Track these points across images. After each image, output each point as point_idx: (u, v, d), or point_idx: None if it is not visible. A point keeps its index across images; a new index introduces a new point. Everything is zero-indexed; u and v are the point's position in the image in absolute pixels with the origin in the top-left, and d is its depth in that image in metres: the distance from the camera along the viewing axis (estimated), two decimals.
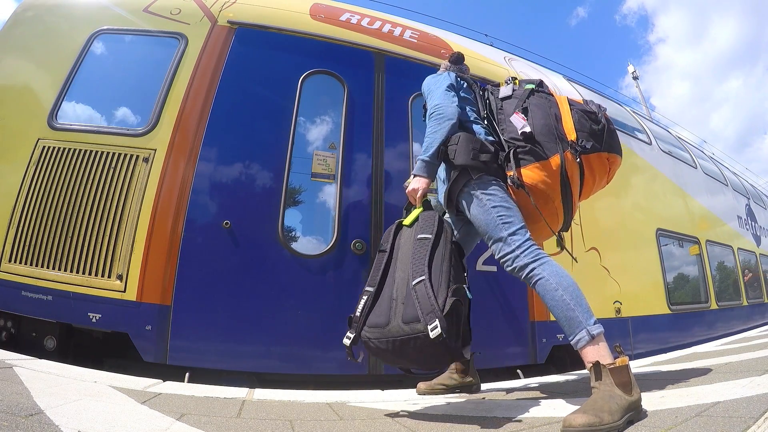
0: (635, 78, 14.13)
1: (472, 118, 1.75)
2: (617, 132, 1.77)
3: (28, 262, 2.22)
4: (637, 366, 2.54)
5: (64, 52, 2.67)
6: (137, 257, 2.21)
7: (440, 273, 1.37)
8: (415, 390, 1.93)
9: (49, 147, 2.38)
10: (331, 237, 2.52)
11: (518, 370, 2.69)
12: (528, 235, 1.49)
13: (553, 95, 1.74)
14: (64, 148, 2.38)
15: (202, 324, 2.23)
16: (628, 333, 3.48)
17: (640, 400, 1.24)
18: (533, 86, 1.76)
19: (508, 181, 1.55)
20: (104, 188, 2.30)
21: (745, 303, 5.73)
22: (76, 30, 2.74)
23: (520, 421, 1.29)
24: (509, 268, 1.48)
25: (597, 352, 1.30)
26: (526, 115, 1.63)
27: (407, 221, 1.60)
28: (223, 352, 2.24)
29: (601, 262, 3.43)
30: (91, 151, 2.37)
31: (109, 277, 2.20)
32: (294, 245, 2.49)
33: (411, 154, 2.86)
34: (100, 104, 2.63)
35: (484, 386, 2.08)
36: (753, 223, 7.01)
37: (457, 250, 1.51)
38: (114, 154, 2.37)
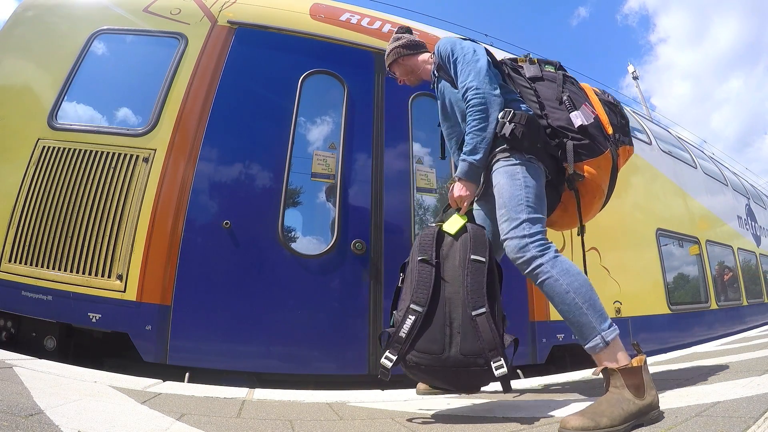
0: (635, 78, 14.13)
1: (515, 97, 1.57)
2: None
3: (28, 262, 2.22)
4: None
5: (64, 52, 2.67)
6: (137, 257, 2.21)
7: (496, 303, 1.32)
8: (414, 390, 1.92)
9: (49, 147, 2.38)
10: (331, 237, 2.52)
11: (518, 370, 2.69)
12: (544, 230, 1.37)
13: (578, 83, 1.65)
14: (64, 148, 2.38)
15: (202, 324, 2.23)
16: (628, 333, 3.47)
17: (655, 402, 1.17)
18: (554, 68, 1.67)
19: (573, 174, 1.46)
20: (104, 188, 2.30)
21: (745, 303, 5.73)
22: (76, 30, 2.74)
23: (520, 421, 1.29)
24: (513, 254, 1.34)
25: (612, 356, 1.25)
26: (574, 105, 1.51)
27: (451, 230, 1.42)
28: (223, 352, 2.24)
29: (601, 262, 3.43)
30: (91, 151, 2.37)
31: (109, 277, 2.20)
32: (294, 245, 2.49)
33: (411, 154, 2.86)
34: (100, 104, 2.63)
35: (483, 386, 2.07)
36: (753, 223, 7.01)
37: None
38: (114, 154, 2.37)
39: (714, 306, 4.85)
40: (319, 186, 2.67)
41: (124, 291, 2.17)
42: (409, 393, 1.89)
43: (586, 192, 1.55)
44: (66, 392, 1.37)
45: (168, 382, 1.78)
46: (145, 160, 2.37)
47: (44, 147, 2.38)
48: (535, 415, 1.34)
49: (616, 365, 1.21)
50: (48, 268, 2.21)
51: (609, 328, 1.28)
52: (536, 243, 1.32)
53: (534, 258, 1.31)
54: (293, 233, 2.59)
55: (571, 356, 3.06)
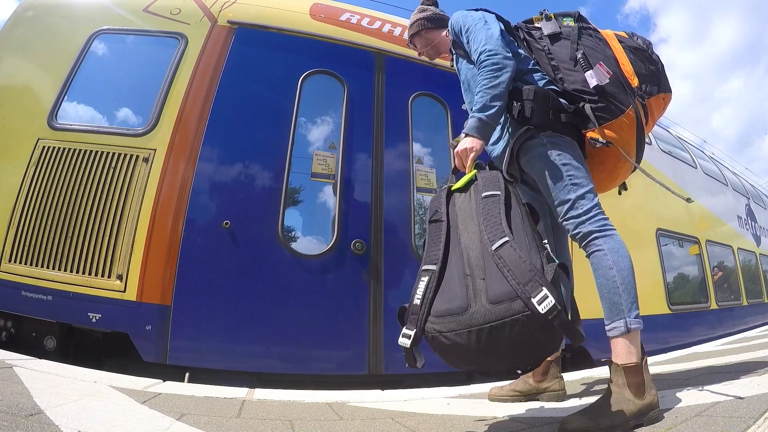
0: None
1: (529, 66, 1.52)
2: None
3: (28, 262, 2.22)
4: None
5: (64, 51, 2.67)
6: (137, 257, 2.21)
7: (524, 234, 1.06)
8: (414, 390, 1.92)
9: (49, 147, 2.38)
10: (331, 237, 2.52)
11: (518, 371, 2.69)
12: (596, 200, 1.37)
13: (598, 30, 1.54)
14: (64, 148, 2.37)
15: (202, 324, 2.23)
16: None
17: (654, 402, 1.15)
18: (573, 20, 1.55)
19: (589, 141, 1.41)
20: (104, 188, 2.30)
21: (745, 303, 5.73)
22: (76, 30, 2.74)
23: (520, 421, 1.29)
24: (571, 233, 1.36)
25: (625, 348, 1.23)
26: (588, 63, 1.42)
27: (458, 185, 1.28)
28: (223, 352, 2.24)
29: None
30: (91, 151, 2.37)
31: (109, 277, 2.20)
32: (294, 245, 2.49)
33: (411, 154, 2.86)
34: (100, 104, 2.63)
35: (483, 386, 2.07)
36: (753, 223, 7.01)
37: (532, 214, 1.19)
38: (114, 154, 2.37)
39: (714, 306, 4.85)
40: (319, 186, 2.67)
41: (124, 291, 2.17)
42: (410, 393, 1.89)
43: (608, 157, 1.46)
44: (66, 392, 1.37)
45: (168, 382, 1.78)
46: (145, 160, 2.37)
47: (44, 147, 2.38)
48: (535, 415, 1.35)
49: (621, 361, 1.21)
50: (48, 268, 2.21)
51: (635, 318, 1.26)
52: (592, 219, 1.34)
53: (590, 233, 1.33)
54: (293, 233, 2.59)
55: (571, 356, 3.05)
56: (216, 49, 2.67)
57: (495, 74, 1.38)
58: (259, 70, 2.74)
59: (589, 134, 1.40)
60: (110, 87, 2.70)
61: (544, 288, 0.92)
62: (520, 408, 1.46)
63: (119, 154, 2.37)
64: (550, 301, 0.90)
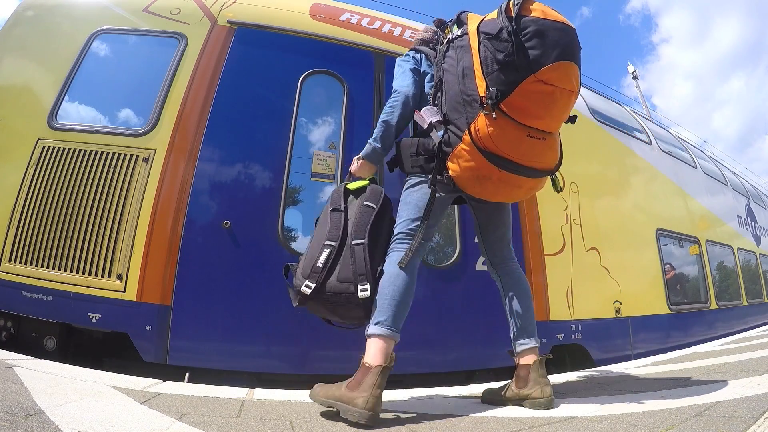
0: (635, 78, 14.13)
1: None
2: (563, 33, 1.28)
3: (28, 262, 2.22)
4: (637, 366, 2.54)
5: (64, 51, 2.66)
6: (137, 257, 2.21)
7: (377, 242, 1.52)
8: (414, 390, 1.92)
9: (49, 147, 2.38)
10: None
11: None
12: (408, 227, 1.54)
13: (467, 33, 1.42)
14: (64, 148, 2.37)
15: (202, 324, 2.23)
16: (628, 333, 3.48)
17: (359, 402, 1.27)
18: (455, 30, 1.49)
19: (444, 179, 1.46)
20: (104, 188, 2.30)
21: (745, 303, 5.73)
22: (76, 30, 2.74)
23: (520, 421, 1.29)
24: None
25: (368, 348, 1.40)
26: (442, 89, 1.46)
27: (353, 186, 1.67)
28: (223, 352, 2.24)
29: (601, 262, 3.43)
30: (90, 151, 2.37)
31: (109, 277, 2.20)
32: (294, 245, 2.49)
33: None
34: (100, 104, 2.63)
35: (483, 386, 2.07)
36: (753, 223, 7.01)
37: (390, 230, 1.61)
38: (114, 154, 2.37)
39: (714, 306, 4.85)
40: (319, 186, 2.67)
41: (124, 291, 2.17)
42: (410, 393, 1.90)
43: (472, 184, 1.44)
44: (66, 392, 1.37)
45: (168, 382, 1.78)
46: (145, 160, 2.37)
47: (44, 147, 2.38)
48: (536, 415, 1.35)
49: (366, 360, 1.38)
50: (48, 268, 2.21)
51: (375, 325, 1.40)
52: (393, 242, 1.55)
53: (390, 250, 1.54)
54: (293, 233, 2.59)
55: (571, 356, 3.06)
56: (216, 49, 2.67)
57: (390, 110, 1.63)
58: (259, 70, 2.74)
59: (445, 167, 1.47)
60: (110, 87, 2.70)
61: (368, 284, 1.42)
62: (520, 408, 1.46)
63: (119, 154, 2.37)
64: (367, 293, 1.41)
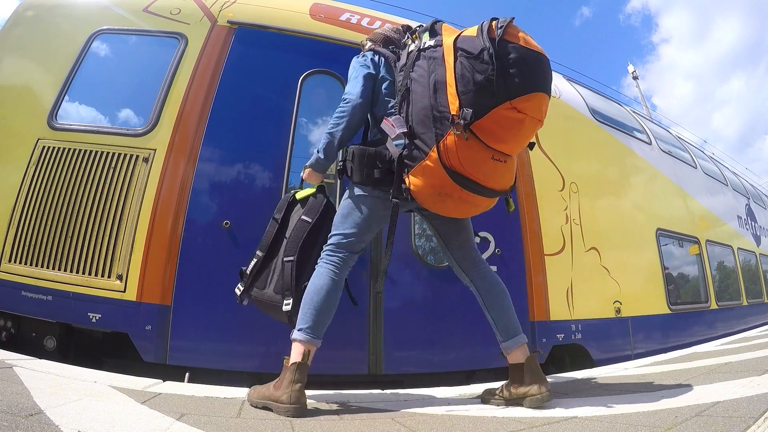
0: (635, 78, 14.13)
1: (390, 107, 1.59)
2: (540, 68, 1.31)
3: (28, 262, 2.22)
4: (637, 366, 2.54)
5: (64, 51, 2.66)
6: (137, 257, 2.21)
7: (309, 257, 1.66)
8: (414, 390, 1.93)
9: (48, 147, 2.38)
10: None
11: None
12: (340, 241, 1.59)
13: (441, 44, 1.39)
14: (64, 148, 2.37)
15: (202, 324, 2.23)
16: (628, 333, 3.47)
17: (284, 398, 1.38)
18: (426, 39, 1.45)
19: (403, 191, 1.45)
20: (104, 188, 2.30)
21: (745, 303, 5.73)
22: (76, 30, 2.74)
23: (520, 421, 1.29)
24: None
25: (294, 349, 1.51)
26: (408, 99, 1.42)
27: (300, 195, 1.80)
28: (223, 352, 2.24)
29: (601, 262, 3.42)
30: (90, 151, 2.37)
31: (109, 277, 2.20)
32: None
33: None
34: (100, 104, 2.63)
35: (483, 386, 2.07)
36: (753, 223, 7.01)
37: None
38: (114, 154, 2.37)
39: (714, 306, 4.85)
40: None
41: (124, 291, 2.17)
42: (410, 393, 1.90)
43: (432, 200, 1.44)
44: (66, 392, 1.37)
45: (168, 382, 1.78)
46: (145, 160, 2.37)
47: (44, 147, 2.38)
48: (536, 415, 1.35)
49: (287, 360, 1.49)
50: (48, 268, 2.21)
51: (298, 332, 1.52)
52: (325, 250, 1.61)
53: (321, 258, 1.61)
54: None
55: (571, 356, 3.06)
56: (216, 49, 2.67)
57: (338, 121, 1.62)
58: (259, 70, 2.74)
59: (404, 180, 1.45)
60: (110, 87, 2.69)
61: (291, 299, 1.63)
62: (520, 408, 1.46)
63: (119, 154, 2.37)
64: (288, 307, 1.62)
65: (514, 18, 1.31)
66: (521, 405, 1.48)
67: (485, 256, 2.81)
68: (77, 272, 2.20)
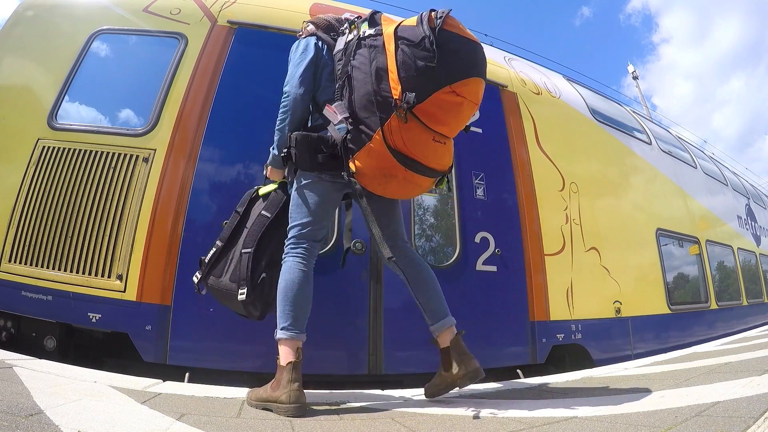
0: (635, 78, 14.13)
1: (332, 94, 1.62)
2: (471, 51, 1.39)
3: (28, 262, 2.22)
4: (637, 366, 2.54)
5: (64, 51, 2.66)
6: (137, 257, 2.21)
7: (266, 249, 1.70)
8: (414, 390, 1.93)
9: (48, 147, 2.38)
10: (331, 237, 2.52)
11: (518, 370, 2.69)
12: (300, 231, 1.62)
13: (381, 33, 1.46)
14: (64, 148, 2.37)
15: (202, 324, 2.23)
16: (628, 333, 3.48)
17: (282, 398, 1.39)
18: (365, 28, 1.52)
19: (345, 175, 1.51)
20: (104, 188, 2.30)
21: (745, 303, 5.72)
22: (76, 30, 2.73)
23: (520, 421, 1.29)
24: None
25: (282, 351, 1.52)
26: (350, 85, 1.46)
27: (262, 191, 1.84)
28: (223, 352, 2.24)
29: (601, 262, 3.42)
30: (90, 151, 2.37)
31: (108, 277, 2.20)
32: None
33: None
34: (100, 104, 2.63)
35: (483, 386, 2.07)
36: (753, 223, 7.01)
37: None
38: (114, 154, 2.37)
39: (714, 306, 4.85)
40: None
41: (124, 291, 2.17)
42: (410, 393, 1.90)
43: (376, 181, 1.50)
44: (66, 392, 1.37)
45: (168, 382, 1.78)
46: (145, 160, 2.37)
47: (44, 147, 2.38)
48: (535, 415, 1.35)
49: (282, 362, 1.49)
50: (48, 268, 2.21)
51: (281, 330, 1.53)
52: (287, 245, 1.63)
53: (286, 253, 1.63)
54: None
55: (571, 356, 3.06)
56: (216, 49, 2.67)
57: (283, 116, 1.68)
58: (259, 70, 2.73)
59: (349, 164, 1.50)
60: (110, 87, 2.69)
61: (246, 288, 1.65)
62: (520, 408, 1.46)
63: (119, 154, 2.37)
64: (243, 297, 1.64)
65: (451, 9, 1.40)
66: (454, 388, 1.58)
67: (485, 256, 2.82)
68: (77, 272, 2.20)
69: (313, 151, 1.57)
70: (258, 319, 1.78)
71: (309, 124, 1.76)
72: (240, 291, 1.64)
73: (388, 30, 1.45)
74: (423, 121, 1.40)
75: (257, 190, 1.89)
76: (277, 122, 1.71)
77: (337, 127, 1.49)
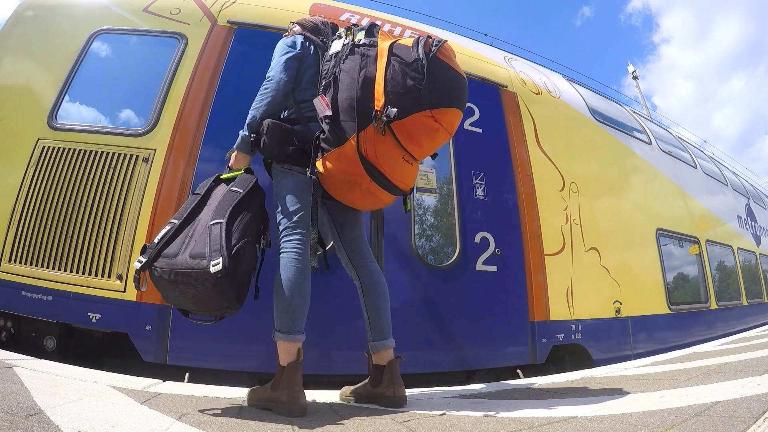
0: (635, 78, 14.12)
1: (311, 95, 1.63)
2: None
3: (28, 262, 2.22)
4: (637, 366, 2.54)
5: (64, 51, 2.66)
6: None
7: (239, 223, 1.46)
8: (414, 390, 1.92)
9: (48, 147, 2.38)
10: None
11: (518, 370, 2.69)
12: (288, 224, 1.57)
13: (376, 46, 1.49)
14: (64, 148, 2.37)
15: (202, 324, 2.23)
16: (628, 333, 3.48)
17: (283, 399, 1.38)
18: (361, 37, 1.54)
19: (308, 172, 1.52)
20: (104, 188, 2.30)
21: (745, 303, 5.72)
22: (76, 30, 2.73)
23: (520, 421, 1.29)
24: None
25: (280, 351, 1.49)
26: (335, 86, 1.48)
27: (225, 176, 1.67)
28: (223, 352, 2.24)
29: (601, 262, 3.43)
30: (90, 151, 2.37)
31: (109, 277, 2.20)
32: None
33: None
34: (100, 104, 2.63)
35: (483, 386, 2.07)
36: (753, 223, 7.01)
37: (262, 216, 1.58)
38: (114, 154, 2.37)
39: (714, 306, 4.85)
40: None
41: (124, 291, 2.17)
42: (409, 393, 1.89)
43: (338, 186, 1.54)
44: (66, 392, 1.37)
45: (168, 382, 1.78)
46: (145, 160, 2.37)
47: (44, 147, 2.38)
48: (535, 415, 1.35)
49: (281, 362, 1.46)
50: (48, 268, 2.21)
51: (279, 331, 1.50)
52: (282, 239, 1.58)
53: (282, 248, 1.57)
54: None
55: (571, 356, 3.06)
56: (216, 49, 2.67)
57: (261, 98, 1.63)
58: (259, 70, 2.71)
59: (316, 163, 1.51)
60: (110, 87, 2.70)
61: (221, 258, 1.33)
62: (520, 408, 1.46)
63: (119, 154, 2.37)
64: (219, 267, 1.31)
65: (447, 40, 1.46)
66: (375, 403, 1.58)
67: (485, 256, 2.82)
68: (77, 272, 2.20)
69: (283, 142, 1.57)
70: (229, 308, 1.48)
71: (280, 117, 1.73)
72: (213, 262, 1.32)
73: (383, 44, 1.48)
74: (398, 137, 1.44)
75: (218, 176, 1.70)
76: (254, 103, 1.65)
77: (311, 123, 1.55)
